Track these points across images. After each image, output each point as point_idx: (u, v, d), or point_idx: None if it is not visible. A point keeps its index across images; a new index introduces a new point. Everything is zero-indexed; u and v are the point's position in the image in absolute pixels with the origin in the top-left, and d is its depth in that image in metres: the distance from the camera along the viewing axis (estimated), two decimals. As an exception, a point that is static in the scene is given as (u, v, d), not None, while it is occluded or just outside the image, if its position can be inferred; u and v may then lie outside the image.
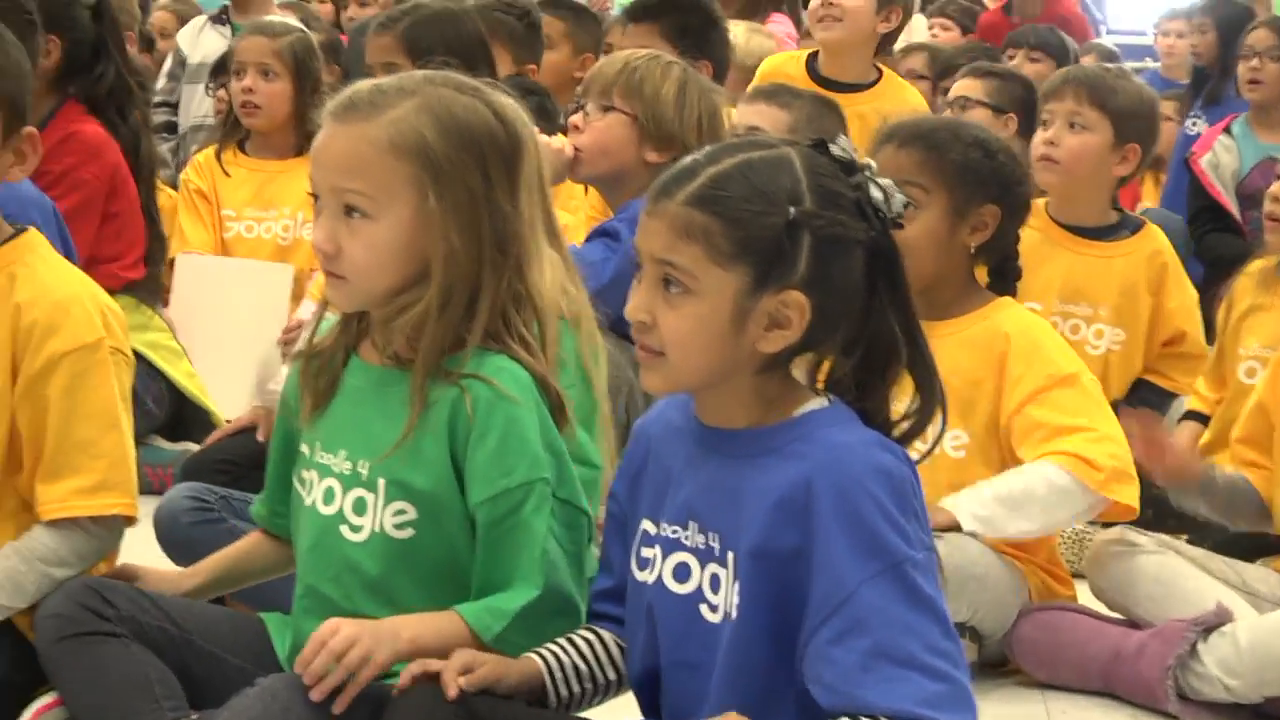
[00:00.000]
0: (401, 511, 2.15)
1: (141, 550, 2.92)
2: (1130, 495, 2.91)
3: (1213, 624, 2.85)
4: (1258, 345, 3.84)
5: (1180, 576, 3.00)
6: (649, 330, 1.91)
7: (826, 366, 1.97)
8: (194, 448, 3.98)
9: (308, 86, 4.52)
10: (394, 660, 2.05)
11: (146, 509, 2.84)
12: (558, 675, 2.06)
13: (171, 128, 6.11)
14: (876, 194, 1.91)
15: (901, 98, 4.71)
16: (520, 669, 2.04)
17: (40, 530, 2.39)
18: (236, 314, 4.32)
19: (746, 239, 1.87)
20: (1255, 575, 3.07)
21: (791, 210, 1.87)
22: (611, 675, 2.10)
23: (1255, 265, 3.94)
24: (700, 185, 1.89)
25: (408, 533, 2.16)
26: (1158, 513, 3.59)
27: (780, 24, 6.19)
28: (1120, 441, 2.94)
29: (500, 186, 2.15)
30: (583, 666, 2.08)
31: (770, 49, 5.29)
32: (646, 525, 2.02)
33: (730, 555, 1.92)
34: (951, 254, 2.98)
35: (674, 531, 1.98)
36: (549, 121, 3.89)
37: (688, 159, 1.94)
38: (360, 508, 2.17)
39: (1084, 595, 3.13)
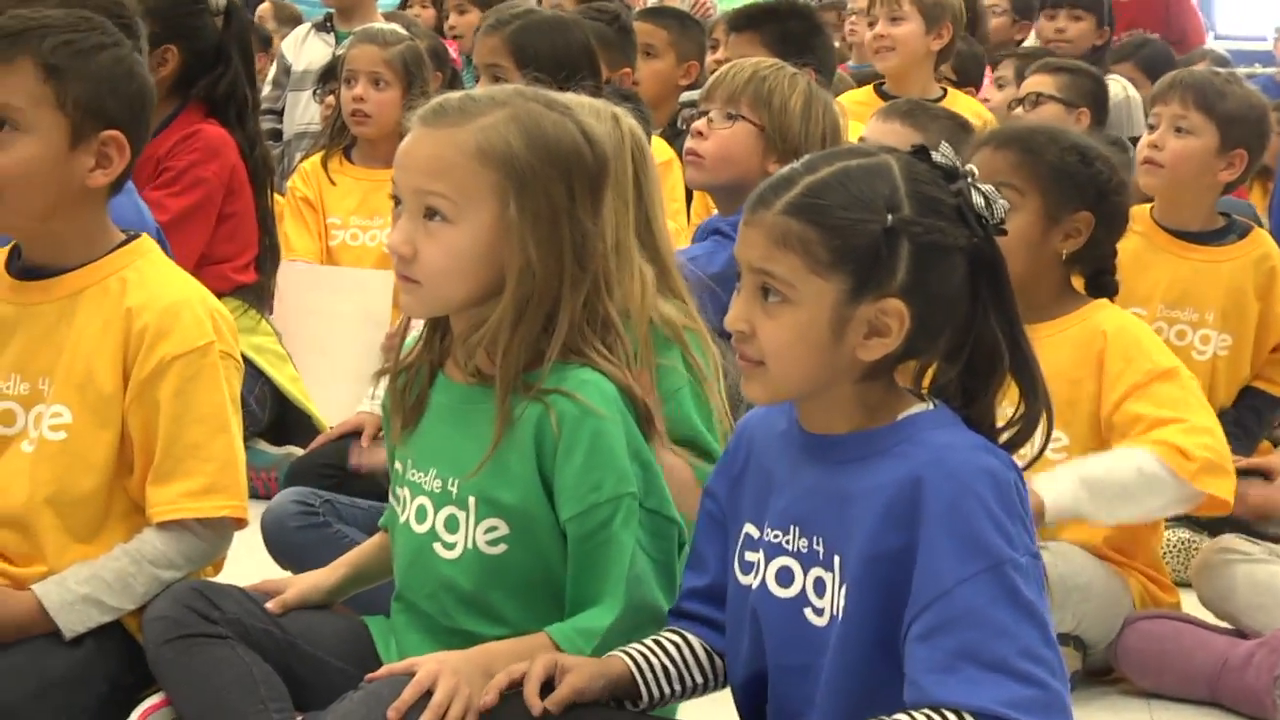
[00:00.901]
0: (493, 528, 2.16)
1: (247, 555, 2.96)
2: (1224, 489, 2.86)
3: (1322, 634, 2.83)
4: None
5: (1289, 587, 2.97)
6: (749, 340, 1.91)
7: (931, 373, 1.96)
8: (297, 451, 4.02)
9: (416, 95, 4.54)
10: (492, 699, 2.06)
11: (251, 512, 2.88)
12: (647, 675, 2.07)
13: (276, 135, 6.17)
14: (978, 199, 1.90)
15: (966, 113, 4.70)
16: (606, 672, 2.05)
17: (150, 533, 2.42)
18: (339, 321, 4.35)
19: (844, 247, 1.87)
20: (1364, 586, 3.03)
21: (889, 217, 1.87)
22: (698, 678, 2.10)
23: None
24: (797, 194, 1.89)
25: (500, 549, 2.17)
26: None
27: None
28: (1217, 435, 2.90)
29: (583, 204, 2.15)
30: (670, 668, 2.09)
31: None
32: (749, 529, 2.02)
33: (836, 559, 1.92)
34: (1042, 258, 2.96)
35: (776, 536, 1.98)
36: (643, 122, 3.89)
37: (785, 169, 1.94)
38: (453, 525, 2.19)
39: (1190, 604, 3.11)
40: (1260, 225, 4.34)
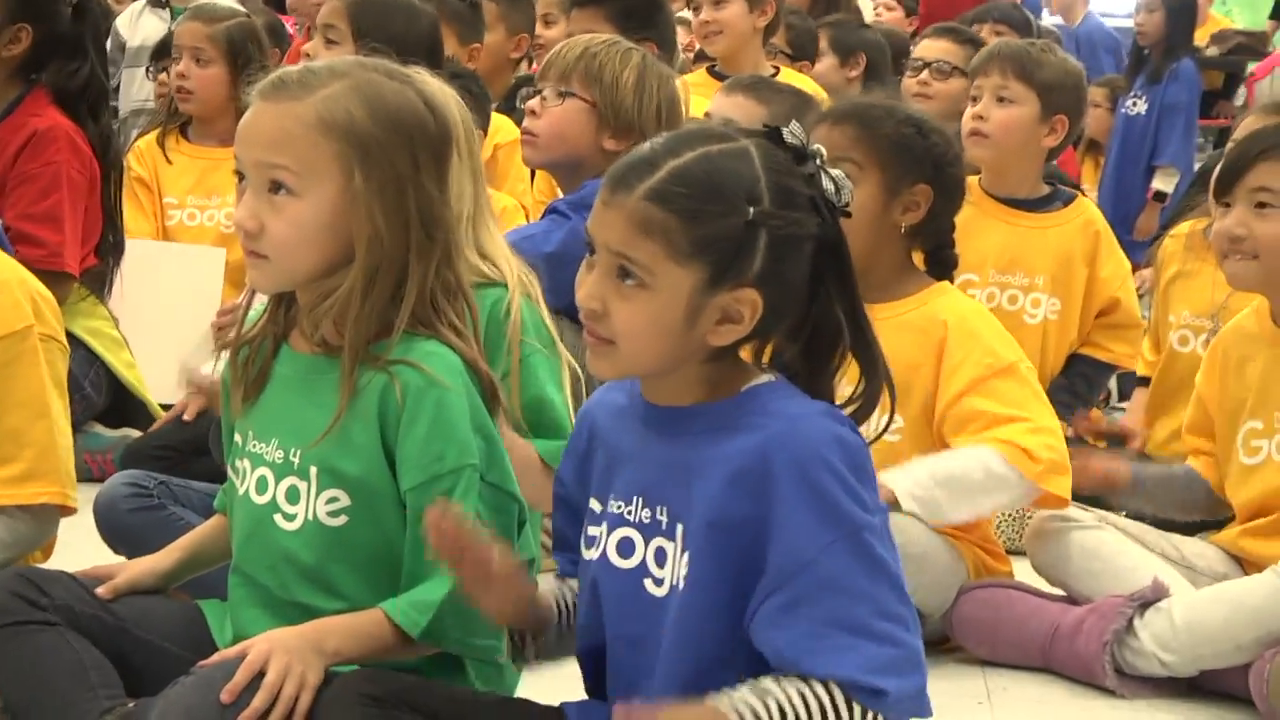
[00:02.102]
0: (334, 499, 2.15)
1: (83, 538, 2.91)
2: (1064, 487, 2.93)
3: (1149, 600, 2.87)
4: (1189, 314, 3.92)
5: (1118, 552, 3.02)
6: (600, 319, 1.91)
7: (769, 349, 1.98)
8: (134, 434, 3.97)
9: (245, 72, 4.48)
10: (323, 675, 2.07)
11: (87, 496, 2.83)
12: (563, 615, 2.09)
13: (111, 112, 6.06)
14: (828, 185, 1.91)
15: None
16: (534, 599, 2.05)
17: None
18: (169, 298, 4.28)
19: (705, 238, 1.87)
20: (1193, 549, 3.09)
21: (750, 211, 1.87)
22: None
23: (1183, 228, 4.00)
24: (660, 180, 1.88)
25: (341, 520, 2.16)
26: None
27: None
28: (1057, 433, 2.95)
29: (428, 172, 2.14)
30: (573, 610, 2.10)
31: None
32: (593, 504, 2.03)
33: (679, 528, 1.92)
34: (882, 232, 2.98)
35: (618, 507, 1.98)
36: (477, 105, 3.87)
37: (645, 147, 1.93)
38: (293, 496, 2.17)
39: (1023, 571, 3.15)
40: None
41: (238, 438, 2.25)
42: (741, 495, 1.88)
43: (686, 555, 1.91)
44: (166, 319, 4.25)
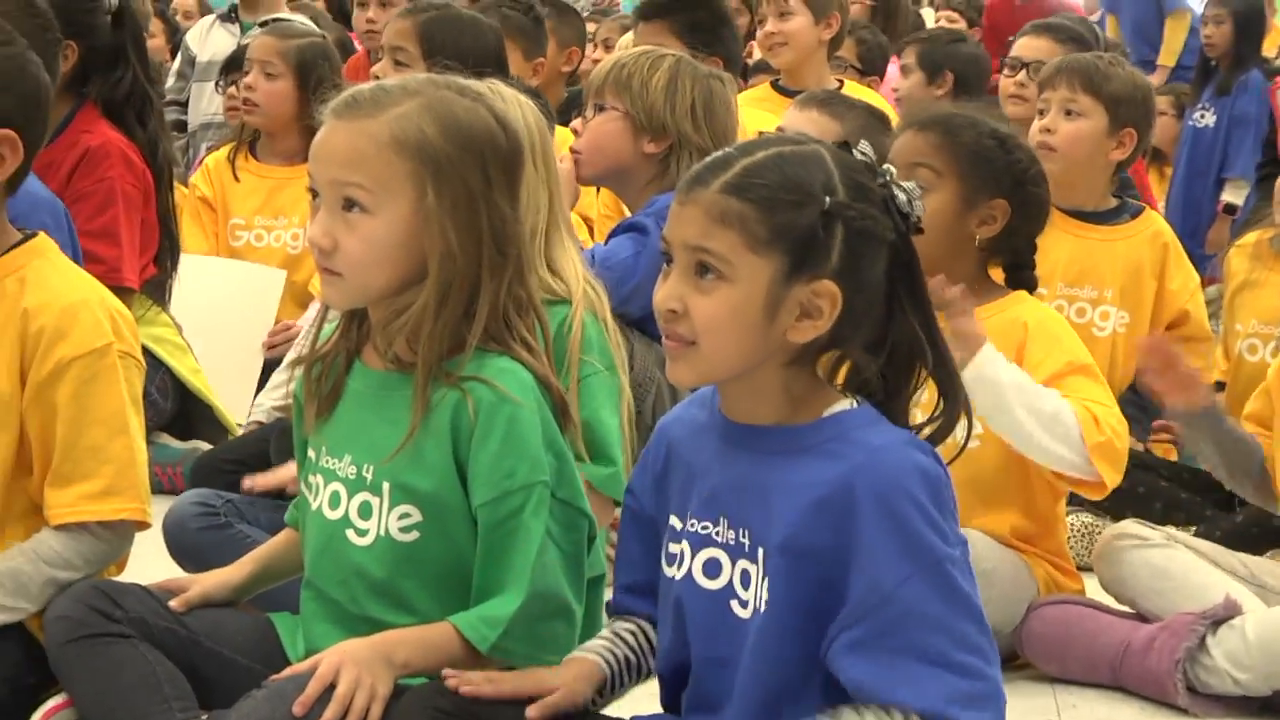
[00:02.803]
0: (406, 515, 2.16)
1: (151, 555, 2.93)
2: (1110, 475, 2.88)
3: (1221, 617, 2.86)
4: (1256, 323, 3.91)
5: (1188, 570, 3.00)
6: (679, 319, 1.92)
7: (845, 369, 1.98)
8: (203, 446, 4.00)
9: (312, 90, 4.50)
10: (393, 686, 2.08)
11: (156, 508, 2.85)
12: (616, 671, 2.09)
13: (180, 126, 6.12)
14: (900, 196, 1.92)
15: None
16: (587, 678, 2.06)
17: (48, 534, 2.39)
18: (225, 315, 4.31)
19: (782, 226, 1.89)
20: (1263, 568, 3.07)
21: (827, 200, 1.89)
22: (652, 663, 2.12)
23: (1249, 238, 3.99)
24: (735, 174, 1.91)
25: (413, 536, 2.16)
26: (1165, 506, 3.60)
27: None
28: (1123, 429, 2.93)
29: (500, 189, 2.15)
30: (632, 658, 2.11)
31: None
32: (673, 521, 2.03)
33: (760, 551, 1.93)
34: (957, 242, 2.97)
35: (704, 527, 1.98)
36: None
37: (720, 152, 1.96)
38: (366, 512, 2.18)
39: (1092, 589, 3.13)
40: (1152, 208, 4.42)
41: (311, 453, 2.26)
42: (822, 524, 1.88)
43: (767, 579, 1.92)
44: (222, 335, 4.28)
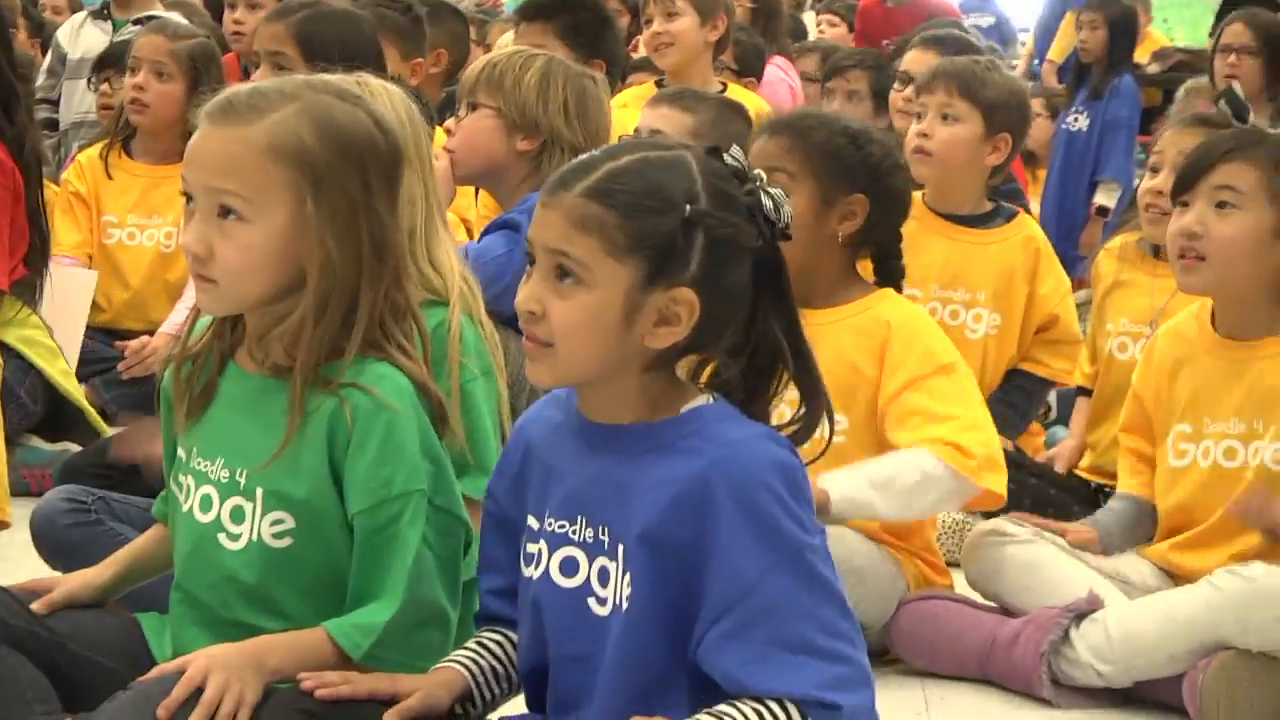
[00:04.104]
0: (280, 521, 2.14)
1: (20, 553, 2.89)
2: (998, 483, 2.93)
3: (1084, 611, 2.90)
4: (1126, 321, 3.97)
5: (1052, 566, 3.04)
6: (538, 321, 1.92)
7: (709, 370, 1.99)
8: (73, 448, 3.95)
9: (205, 92, 4.43)
10: (261, 692, 2.06)
11: (24, 511, 2.82)
12: (480, 680, 2.08)
13: (52, 124, 6.03)
14: (767, 203, 1.93)
15: (748, 104, 4.77)
16: (448, 684, 2.05)
17: None
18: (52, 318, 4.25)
19: (642, 233, 1.89)
20: (1126, 563, 3.10)
21: (688, 208, 1.89)
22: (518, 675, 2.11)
23: (1116, 241, 4.05)
24: (598, 179, 1.91)
25: (286, 542, 2.15)
26: (1034, 502, 3.65)
27: (777, 69, 6.26)
28: (990, 430, 2.97)
29: (379, 195, 2.13)
30: (499, 667, 2.10)
31: None
32: (530, 521, 2.03)
33: (620, 548, 1.93)
34: (820, 242, 2.99)
35: (561, 526, 1.98)
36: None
37: (585, 155, 1.96)
38: (238, 516, 2.16)
39: (961, 585, 3.17)
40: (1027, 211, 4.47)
41: (181, 453, 2.24)
42: (681, 519, 1.89)
43: (628, 575, 1.92)
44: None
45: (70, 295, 4.27)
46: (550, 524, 2.00)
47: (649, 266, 1.89)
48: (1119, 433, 3.25)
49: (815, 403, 1.99)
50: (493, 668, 2.09)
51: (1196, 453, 3.04)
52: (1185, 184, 3.05)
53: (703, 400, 1.96)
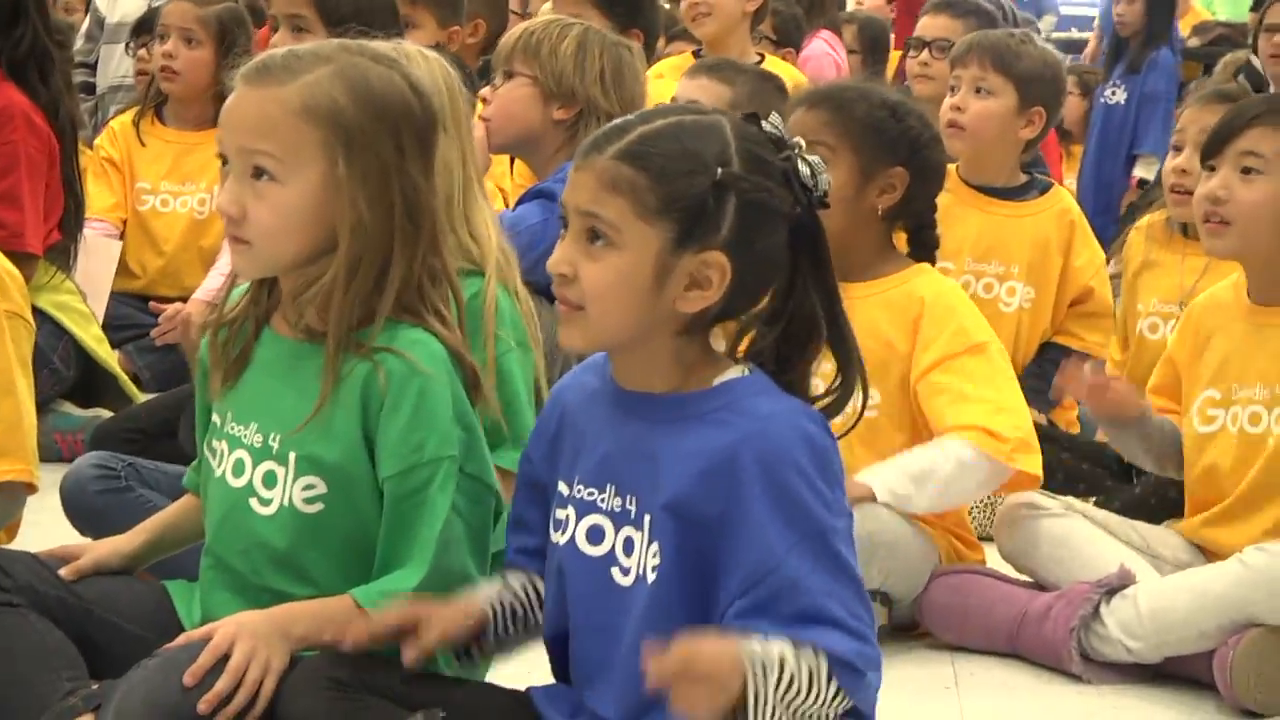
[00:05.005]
0: (311, 486, 2.14)
1: (50, 519, 2.90)
2: (1034, 464, 2.93)
3: (1115, 586, 2.88)
4: (1156, 302, 3.93)
5: (1084, 540, 3.03)
6: (570, 283, 1.92)
7: (747, 340, 1.98)
8: (105, 414, 3.96)
9: (238, 55, 4.43)
10: (288, 659, 2.06)
11: (56, 476, 2.82)
12: (500, 615, 2.08)
13: (89, 88, 6.04)
14: (804, 169, 1.92)
15: (783, 77, 4.75)
16: (467, 615, 2.05)
17: None
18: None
19: (672, 195, 1.88)
20: (1158, 538, 3.10)
21: (719, 171, 1.88)
22: (540, 617, 2.10)
23: (1145, 221, 4.01)
24: (630, 141, 1.90)
25: (317, 507, 2.15)
26: (1066, 477, 3.63)
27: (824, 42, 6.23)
28: (1023, 412, 2.96)
29: (413, 159, 2.13)
30: (518, 609, 2.09)
31: None
32: (560, 486, 2.03)
33: (647, 518, 1.93)
34: (859, 215, 2.98)
35: (590, 494, 1.98)
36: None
37: (620, 119, 1.95)
38: (270, 481, 2.16)
39: (993, 559, 3.16)
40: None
41: (215, 418, 2.24)
42: (710, 492, 1.89)
43: (654, 546, 1.91)
44: None
45: (96, 263, 4.29)
46: (579, 491, 1.99)
47: (680, 229, 1.89)
48: (1149, 393, 3.23)
49: (850, 374, 1.98)
50: (513, 606, 2.09)
51: (1225, 419, 3.02)
52: (1212, 149, 3.05)
53: (738, 372, 1.95)
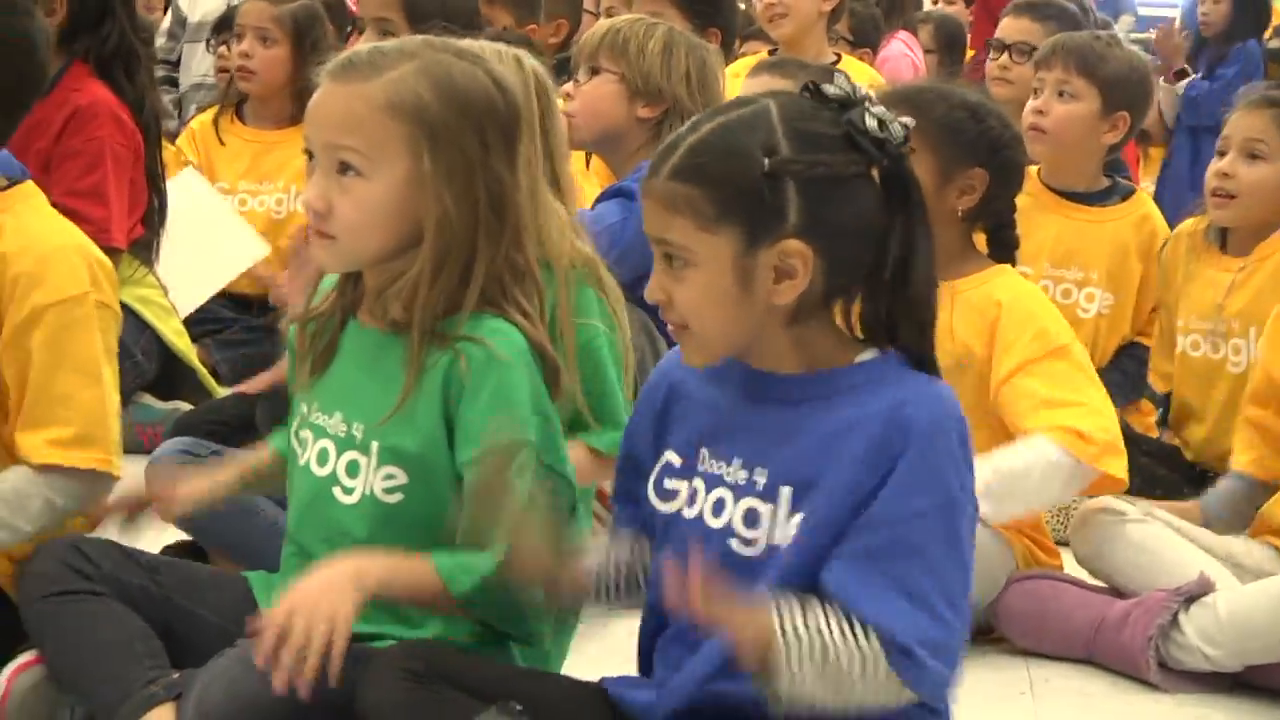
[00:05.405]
0: (391, 476, 2.15)
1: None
2: (1120, 468, 2.91)
3: (1195, 594, 2.86)
4: (1195, 319, 3.79)
5: (1164, 546, 3.01)
6: (669, 308, 1.93)
7: (857, 312, 1.95)
8: (184, 407, 3.99)
9: (307, 55, 4.44)
10: (360, 607, 2.02)
11: (137, 468, 2.85)
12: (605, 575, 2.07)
13: (171, 81, 6.09)
14: (871, 123, 1.89)
15: (859, 78, 4.72)
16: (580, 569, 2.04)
17: (25, 469, 2.39)
18: (197, 248, 4.24)
19: (727, 199, 1.87)
20: (1239, 546, 3.07)
21: (766, 161, 1.87)
22: (642, 579, 2.09)
23: (1186, 227, 3.91)
24: (680, 157, 1.90)
25: (397, 497, 2.16)
26: (1144, 481, 3.60)
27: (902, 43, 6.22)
28: (1110, 414, 2.94)
29: (497, 154, 2.14)
30: (623, 570, 2.08)
31: None
32: (671, 457, 2.02)
33: (786, 490, 1.92)
34: (940, 216, 2.95)
35: (717, 468, 1.97)
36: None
37: (673, 135, 1.94)
38: (354, 470, 2.18)
39: (1070, 564, 3.14)
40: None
41: (303, 408, 2.25)
42: (879, 458, 1.88)
43: (799, 516, 1.90)
44: (182, 263, 4.22)
45: (233, 250, 4.31)
46: (706, 464, 1.98)
47: (745, 229, 1.88)
48: (1244, 403, 3.20)
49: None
50: (617, 563, 2.08)
51: None
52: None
53: (874, 354, 1.94)
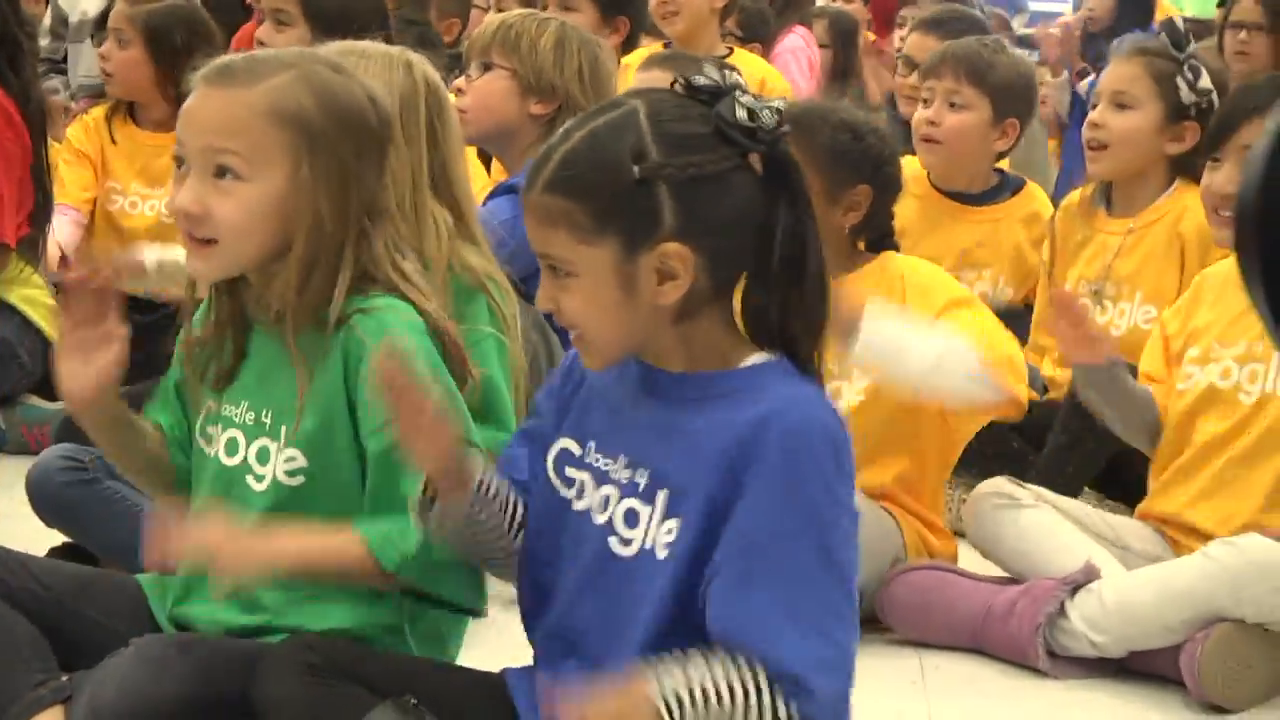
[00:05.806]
0: (292, 459, 2.17)
1: (17, 510, 2.90)
2: (1021, 390, 2.89)
3: (1081, 582, 2.90)
4: (1085, 284, 3.84)
5: (1051, 533, 3.03)
6: (559, 315, 1.93)
7: (740, 299, 1.94)
8: (72, 407, 3.93)
9: (171, 59, 4.32)
10: (267, 569, 2.07)
11: (23, 468, 2.82)
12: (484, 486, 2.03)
13: (60, 73, 6.00)
14: (741, 114, 1.88)
15: (751, 70, 4.76)
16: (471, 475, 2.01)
17: None
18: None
19: (602, 212, 1.87)
20: (1129, 530, 3.11)
21: (636, 169, 1.86)
22: (519, 516, 2.05)
23: (1073, 198, 3.96)
24: (551, 170, 1.89)
25: (298, 480, 2.17)
26: (1003, 459, 3.60)
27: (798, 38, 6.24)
28: (1017, 349, 2.96)
29: (369, 164, 2.17)
30: (505, 497, 2.05)
31: None
32: (568, 443, 2.02)
33: (661, 494, 1.91)
34: (828, 234, 2.94)
35: (606, 464, 1.97)
36: (431, 50, 3.90)
37: (545, 145, 1.94)
38: (264, 457, 2.19)
39: (964, 549, 3.18)
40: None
41: (209, 404, 2.24)
42: (726, 471, 1.86)
43: (675, 522, 1.90)
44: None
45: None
46: (594, 457, 1.98)
47: (622, 238, 1.87)
48: (1142, 370, 3.20)
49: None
50: (496, 492, 2.04)
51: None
52: (1215, 141, 3.07)
53: (762, 357, 1.94)
